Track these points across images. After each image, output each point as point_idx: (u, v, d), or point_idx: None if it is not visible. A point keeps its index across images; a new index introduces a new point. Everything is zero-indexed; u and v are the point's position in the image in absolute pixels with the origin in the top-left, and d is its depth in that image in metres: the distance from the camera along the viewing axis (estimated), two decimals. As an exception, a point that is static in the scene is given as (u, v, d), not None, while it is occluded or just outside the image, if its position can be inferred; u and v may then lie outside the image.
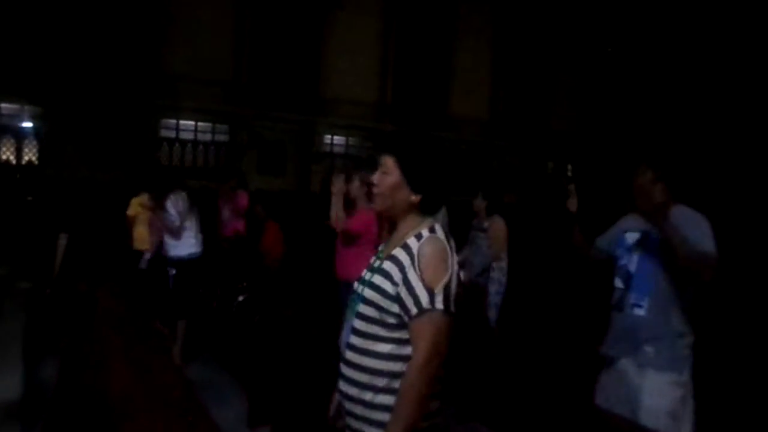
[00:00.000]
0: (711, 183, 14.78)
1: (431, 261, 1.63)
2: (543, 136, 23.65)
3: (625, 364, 2.49)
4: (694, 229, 2.38)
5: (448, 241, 1.72)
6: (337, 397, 1.81)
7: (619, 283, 2.60)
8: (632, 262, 2.56)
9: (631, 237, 2.62)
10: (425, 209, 1.78)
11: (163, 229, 4.74)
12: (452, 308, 1.62)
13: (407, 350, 1.65)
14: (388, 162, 1.77)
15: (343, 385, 1.74)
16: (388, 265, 1.69)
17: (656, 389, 2.39)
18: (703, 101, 19.88)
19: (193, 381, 4.24)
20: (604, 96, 23.71)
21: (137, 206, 5.68)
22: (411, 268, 1.64)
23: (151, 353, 3.56)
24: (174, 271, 4.80)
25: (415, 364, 1.58)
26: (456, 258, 1.70)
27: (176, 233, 4.71)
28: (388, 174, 1.76)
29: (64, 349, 4.18)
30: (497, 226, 5.02)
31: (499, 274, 5.05)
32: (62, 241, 6.26)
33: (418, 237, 1.69)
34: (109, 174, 14.76)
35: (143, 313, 4.75)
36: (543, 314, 6.67)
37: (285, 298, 4.96)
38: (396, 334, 1.66)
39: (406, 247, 1.69)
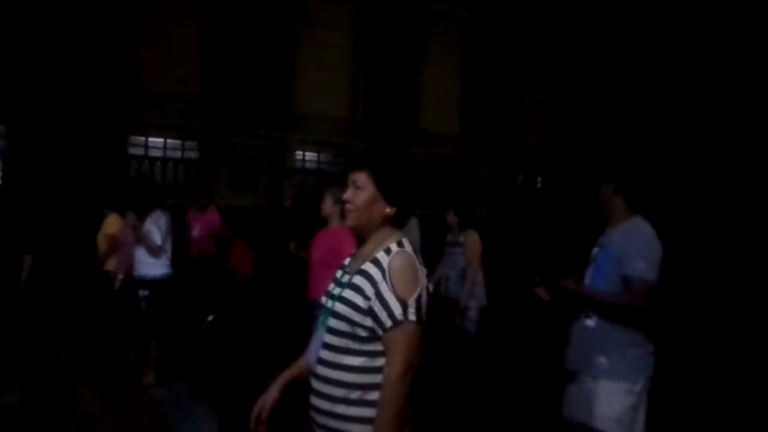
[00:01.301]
0: (672, 193, 15.14)
1: (402, 274, 1.66)
2: (512, 150, 23.98)
3: (582, 374, 2.55)
4: (629, 247, 2.45)
5: (416, 254, 1.75)
6: (259, 403, 1.88)
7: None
8: (588, 276, 2.64)
9: (594, 251, 2.70)
10: (397, 222, 1.81)
11: (145, 248, 4.65)
12: (423, 319, 1.66)
13: (379, 362, 1.67)
14: (361, 177, 1.79)
15: (314, 400, 1.75)
16: (358, 280, 1.71)
17: (607, 397, 2.44)
18: (667, 114, 20.39)
19: (162, 402, 4.18)
20: (572, 109, 24.19)
21: (116, 225, 5.52)
22: (383, 282, 1.66)
23: (118, 376, 3.50)
24: (147, 292, 4.71)
25: (393, 375, 1.62)
26: (424, 270, 1.73)
27: (157, 253, 4.64)
28: (362, 189, 1.78)
29: (29, 373, 4.08)
30: (473, 240, 5.07)
31: (477, 288, 5.10)
32: (27, 261, 6.12)
33: (387, 251, 1.72)
34: (74, 193, 14.50)
35: (112, 335, 4.67)
36: (518, 327, 6.74)
37: (255, 316, 4.92)
38: (368, 347, 1.68)
39: (376, 262, 1.71)
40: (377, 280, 1.67)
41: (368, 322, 1.67)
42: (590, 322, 2.52)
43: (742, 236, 14.32)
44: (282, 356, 3.61)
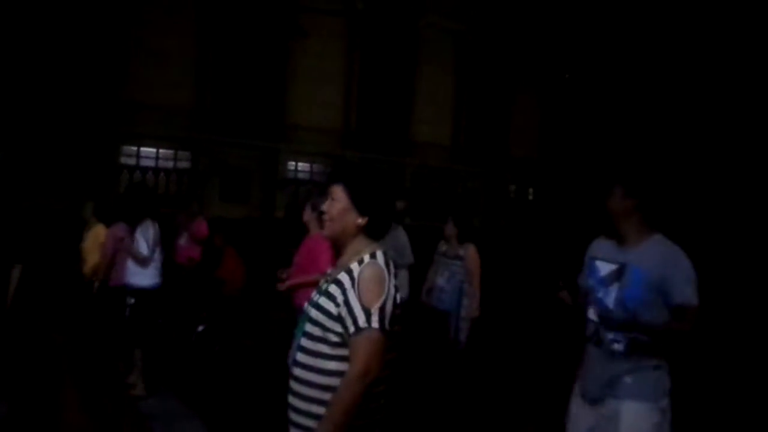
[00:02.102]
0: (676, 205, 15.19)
1: (369, 283, 1.76)
2: (504, 161, 24.09)
3: (602, 395, 2.45)
4: (676, 274, 2.34)
5: (388, 265, 1.83)
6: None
7: (593, 316, 2.52)
8: (609, 296, 2.46)
9: (605, 267, 2.52)
10: (372, 233, 1.90)
11: (131, 257, 4.63)
12: (387, 326, 1.73)
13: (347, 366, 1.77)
14: (337, 190, 1.91)
15: (291, 399, 1.84)
16: (333, 288, 1.82)
17: (633, 417, 2.37)
18: (658, 125, 20.55)
19: (150, 414, 4.13)
20: (563, 121, 24.35)
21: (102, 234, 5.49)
22: (351, 290, 1.77)
23: (105, 388, 3.47)
24: (132, 301, 4.68)
25: (348, 377, 1.71)
26: (393, 281, 1.82)
27: (143, 263, 4.62)
28: (336, 200, 1.90)
29: (16, 386, 4.03)
30: (472, 254, 5.02)
31: (472, 299, 5.06)
32: (15, 272, 6.05)
33: (360, 261, 1.82)
34: (66, 203, 14.42)
35: (100, 346, 4.62)
36: (511, 339, 6.73)
37: (245, 327, 4.89)
38: (339, 352, 1.78)
39: (349, 271, 1.82)
40: (347, 287, 1.77)
41: (338, 327, 1.76)
42: (618, 347, 2.42)
43: (739, 248, 14.41)
44: (272, 368, 3.59)
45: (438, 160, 22.53)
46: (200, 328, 4.76)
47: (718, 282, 9.44)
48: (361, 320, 1.70)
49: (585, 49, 22.68)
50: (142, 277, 4.67)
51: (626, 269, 2.42)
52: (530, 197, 25.58)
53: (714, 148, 19.02)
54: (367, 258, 1.81)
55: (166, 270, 4.94)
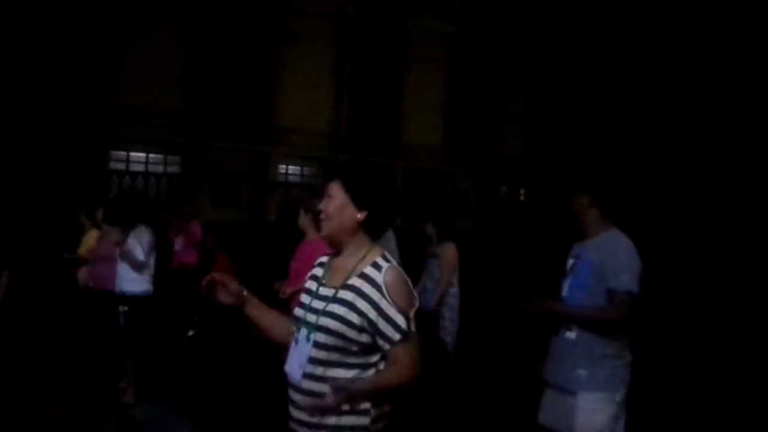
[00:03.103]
0: (645, 203, 15.33)
1: (400, 289, 1.73)
2: (495, 162, 24.15)
3: (561, 385, 2.54)
4: (612, 259, 2.47)
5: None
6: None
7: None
8: (565, 287, 2.62)
9: (568, 262, 2.70)
10: (371, 229, 1.84)
11: (128, 264, 4.58)
12: (415, 327, 1.75)
13: (370, 372, 1.73)
14: (334, 187, 1.85)
15: (298, 414, 1.75)
16: (349, 296, 1.73)
17: (589, 408, 2.44)
18: (644, 125, 20.68)
19: (142, 422, 4.10)
20: (554, 122, 24.46)
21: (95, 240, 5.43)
22: (383, 300, 1.70)
23: (96, 395, 3.44)
24: (126, 308, 4.63)
25: (401, 375, 1.70)
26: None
27: (140, 269, 4.57)
28: (333, 197, 1.83)
29: (4, 393, 3.99)
30: (448, 251, 5.07)
31: (452, 299, 5.08)
32: (3, 279, 6.00)
33: (375, 266, 1.75)
34: (55, 208, 14.32)
35: (90, 353, 4.58)
36: (495, 339, 6.74)
37: (237, 332, 4.87)
38: (360, 360, 1.72)
39: (366, 278, 1.73)
40: (375, 299, 1.70)
41: (364, 338, 1.70)
42: (571, 335, 2.52)
43: (714, 244, 14.54)
44: (264, 374, 3.57)
45: (429, 161, 22.56)
46: (191, 332, 4.72)
47: (690, 278, 9.55)
48: (404, 326, 1.70)
49: (575, 50, 22.79)
50: (136, 283, 4.62)
51: (578, 260, 2.59)
52: (521, 198, 25.65)
53: (700, 147, 19.15)
54: (382, 262, 1.76)
55: (159, 275, 4.91)
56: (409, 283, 1.77)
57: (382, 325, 1.69)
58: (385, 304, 1.69)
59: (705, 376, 5.68)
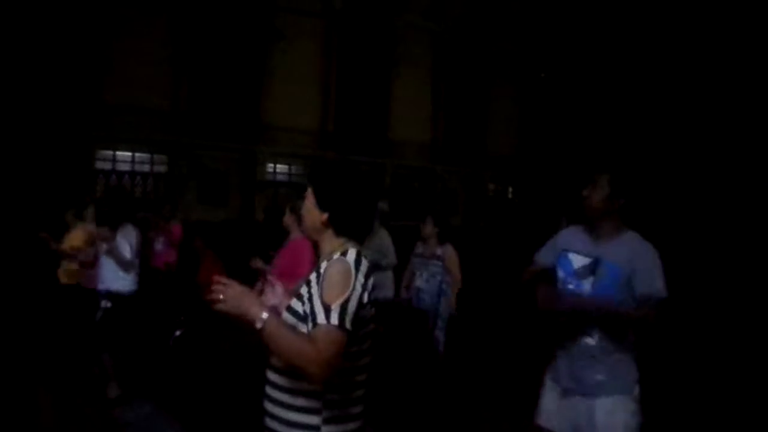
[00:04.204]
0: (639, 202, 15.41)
1: (331, 279, 1.69)
2: (483, 160, 24.21)
3: (579, 391, 2.46)
4: (644, 265, 2.37)
5: (359, 264, 1.75)
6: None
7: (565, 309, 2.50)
8: (582, 290, 2.47)
9: (578, 260, 2.53)
10: (339, 229, 1.85)
11: (116, 262, 4.53)
12: (348, 325, 1.65)
13: None
14: (308, 189, 1.91)
15: (266, 405, 1.80)
16: (302, 289, 1.78)
17: (610, 408, 2.39)
18: (633, 123, 20.80)
19: (127, 421, 4.06)
20: (541, 119, 24.56)
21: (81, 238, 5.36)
22: (315, 286, 1.72)
23: (81, 394, 3.40)
24: (109, 305, 4.57)
25: (308, 350, 1.59)
26: (362, 280, 1.74)
27: (128, 267, 4.53)
28: (306, 199, 1.90)
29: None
30: (452, 253, 5.02)
31: (449, 299, 5.06)
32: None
33: (329, 260, 1.77)
34: (40, 208, 14.16)
35: (75, 351, 4.53)
36: (486, 337, 6.75)
37: (223, 331, 4.83)
38: None
39: (317, 269, 1.78)
40: (312, 285, 1.73)
41: (306, 328, 1.70)
42: (591, 341, 2.43)
43: (704, 243, 14.65)
44: (250, 373, 3.54)
45: (417, 159, 22.58)
46: (178, 332, 4.68)
47: (696, 278, 9.61)
48: (320, 317, 1.63)
49: (561, 48, 22.88)
50: (123, 282, 4.58)
51: (600, 264, 2.43)
52: (509, 196, 25.75)
53: (692, 147, 19.29)
54: (336, 255, 1.76)
55: (141, 275, 4.87)
56: (351, 278, 1.71)
57: (308, 309, 1.70)
58: (314, 290, 1.71)
59: (706, 375, 5.72)
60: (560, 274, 2.55)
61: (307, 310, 1.69)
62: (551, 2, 22.40)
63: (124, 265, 4.51)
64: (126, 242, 4.55)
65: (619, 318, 2.38)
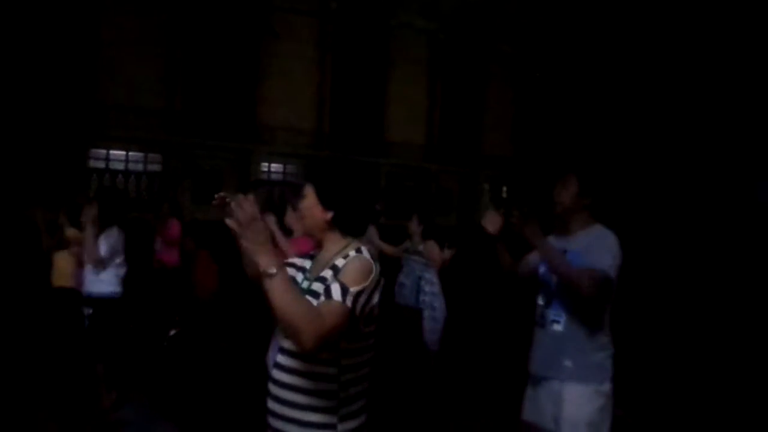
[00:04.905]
0: (628, 200, 15.50)
1: (352, 269, 1.70)
2: (478, 160, 24.24)
3: (547, 377, 2.54)
4: (597, 246, 2.47)
5: (375, 261, 1.78)
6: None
7: (540, 300, 2.64)
8: (552, 280, 2.59)
9: None
10: (343, 227, 1.86)
11: (88, 261, 4.49)
12: (356, 312, 1.65)
13: (332, 370, 1.71)
14: (308, 188, 1.89)
15: (271, 404, 1.77)
16: (317, 286, 1.75)
17: (576, 400, 2.44)
18: (628, 123, 20.87)
19: (122, 421, 4.05)
20: (536, 119, 24.61)
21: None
22: (333, 279, 1.70)
23: (78, 400, 3.38)
24: (90, 311, 4.52)
25: (311, 317, 1.54)
26: (378, 279, 1.75)
27: (99, 264, 4.47)
28: (306, 198, 1.88)
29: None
30: (431, 246, 5.10)
31: (430, 297, 5.09)
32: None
33: (345, 257, 1.78)
34: (33, 208, 14.06)
35: (66, 354, 4.51)
36: (478, 335, 6.77)
37: (220, 331, 4.83)
38: (324, 353, 1.69)
39: (334, 268, 1.76)
40: (329, 281, 1.71)
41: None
42: (558, 327, 2.52)
43: (693, 242, 14.74)
44: (247, 372, 3.54)
45: (412, 159, 22.59)
46: (173, 332, 4.67)
47: (670, 279, 9.66)
48: (336, 294, 1.62)
49: (557, 48, 22.93)
50: (102, 284, 4.52)
51: (566, 254, 2.53)
52: (504, 195, 25.78)
53: (687, 146, 19.38)
54: (353, 253, 1.78)
55: (137, 276, 4.84)
56: (371, 273, 1.71)
57: (325, 289, 1.67)
58: (331, 281, 1.69)
59: (690, 372, 5.75)
60: (541, 269, 2.67)
61: (325, 299, 1.63)
62: (547, 2, 22.43)
63: (95, 262, 4.46)
64: (105, 242, 4.51)
65: (560, 266, 2.44)
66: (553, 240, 2.65)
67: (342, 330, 1.63)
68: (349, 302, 1.63)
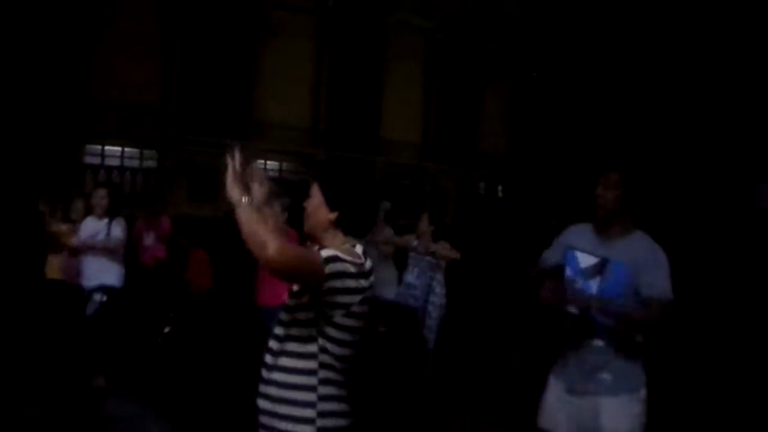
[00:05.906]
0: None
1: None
2: (474, 159, 24.26)
3: (580, 389, 2.44)
4: (651, 267, 2.35)
5: (356, 257, 1.79)
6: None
7: (573, 308, 2.45)
8: (589, 289, 2.44)
9: (585, 259, 2.49)
10: (346, 228, 1.86)
11: (106, 250, 4.54)
12: (325, 268, 1.68)
13: (310, 364, 1.75)
14: (314, 187, 1.90)
15: (259, 401, 1.81)
16: (296, 286, 1.81)
17: (614, 409, 2.38)
18: (624, 123, 20.90)
19: (115, 417, 4.04)
20: (532, 118, 24.63)
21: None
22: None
23: (67, 392, 3.38)
24: (105, 298, 4.56)
25: (276, 239, 1.60)
26: (359, 269, 1.78)
27: (117, 251, 4.55)
28: (312, 197, 1.89)
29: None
30: (446, 246, 5.07)
31: (440, 299, 5.08)
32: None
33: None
34: (28, 203, 14.02)
35: (62, 347, 4.51)
36: (478, 335, 6.77)
37: (213, 328, 4.82)
38: (306, 349, 1.75)
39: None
40: None
41: (301, 315, 1.75)
42: (600, 342, 2.41)
43: (692, 246, 14.75)
44: (240, 369, 3.53)
45: (408, 157, 22.59)
46: (167, 329, 4.66)
47: (699, 280, 9.66)
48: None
49: (553, 48, 22.95)
50: (110, 274, 4.58)
51: (608, 263, 2.40)
52: (500, 194, 25.82)
53: (687, 146, 19.40)
54: (330, 251, 1.77)
55: (129, 270, 4.85)
56: (357, 257, 1.78)
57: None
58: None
59: (690, 376, 5.76)
60: (568, 272, 2.51)
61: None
62: (543, 1, 22.45)
63: (114, 250, 4.52)
64: (119, 228, 4.60)
65: (623, 320, 2.35)
66: (591, 244, 2.48)
67: (301, 262, 1.66)
68: (321, 256, 1.69)
